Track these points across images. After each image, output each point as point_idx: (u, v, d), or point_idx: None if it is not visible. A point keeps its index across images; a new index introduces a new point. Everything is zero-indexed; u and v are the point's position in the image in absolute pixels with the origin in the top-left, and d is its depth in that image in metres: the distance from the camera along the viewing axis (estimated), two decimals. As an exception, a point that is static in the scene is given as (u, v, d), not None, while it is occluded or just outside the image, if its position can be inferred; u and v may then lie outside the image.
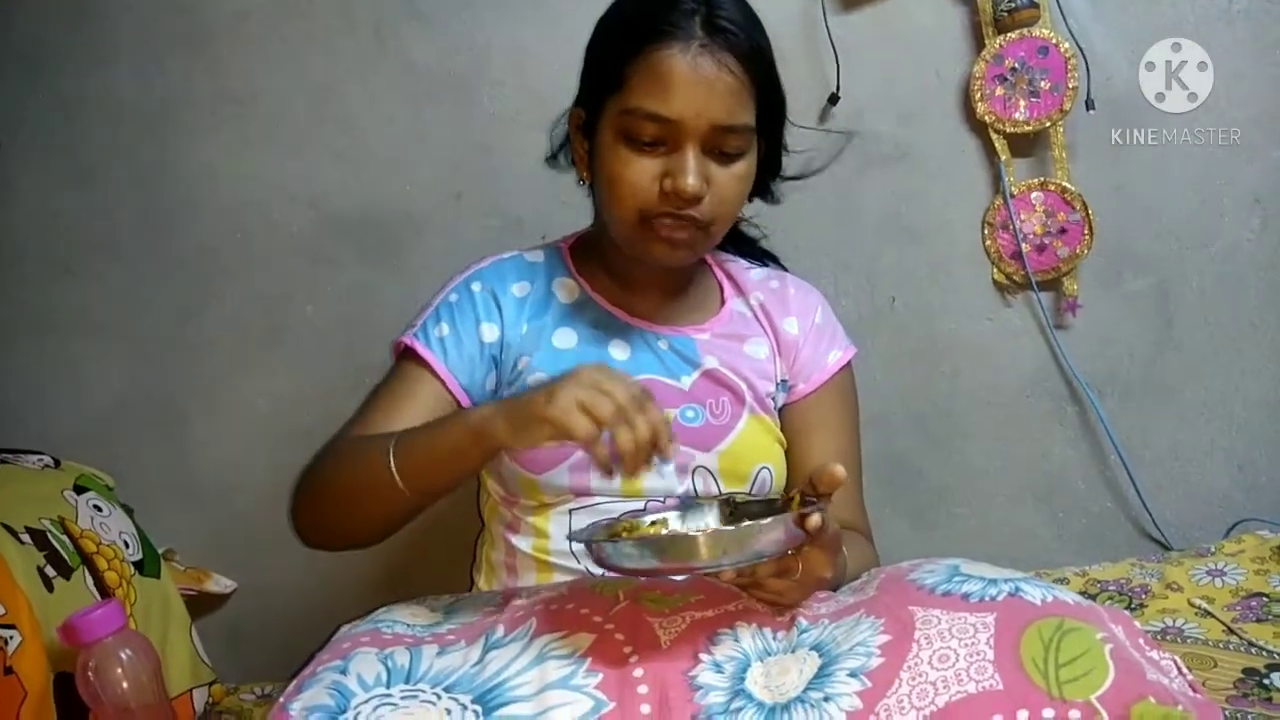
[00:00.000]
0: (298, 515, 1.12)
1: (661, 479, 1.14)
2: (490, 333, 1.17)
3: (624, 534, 0.95)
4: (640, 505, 1.13)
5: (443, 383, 1.15)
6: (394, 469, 0.99)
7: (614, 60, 1.07)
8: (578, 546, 1.12)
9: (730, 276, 1.28)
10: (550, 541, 1.14)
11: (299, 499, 1.11)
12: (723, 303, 1.25)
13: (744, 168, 1.10)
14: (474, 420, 0.96)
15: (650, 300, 1.22)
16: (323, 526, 1.11)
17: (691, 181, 1.05)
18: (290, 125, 1.65)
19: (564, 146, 1.22)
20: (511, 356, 1.17)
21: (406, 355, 1.18)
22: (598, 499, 1.13)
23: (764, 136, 1.14)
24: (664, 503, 1.13)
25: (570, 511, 1.14)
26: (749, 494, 1.17)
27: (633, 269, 1.19)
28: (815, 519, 0.86)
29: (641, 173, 1.07)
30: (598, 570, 1.10)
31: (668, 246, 1.10)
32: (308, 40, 1.63)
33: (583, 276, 1.23)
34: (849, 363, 1.27)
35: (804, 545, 0.89)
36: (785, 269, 1.36)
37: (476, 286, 1.20)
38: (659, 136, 1.05)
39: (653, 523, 1.00)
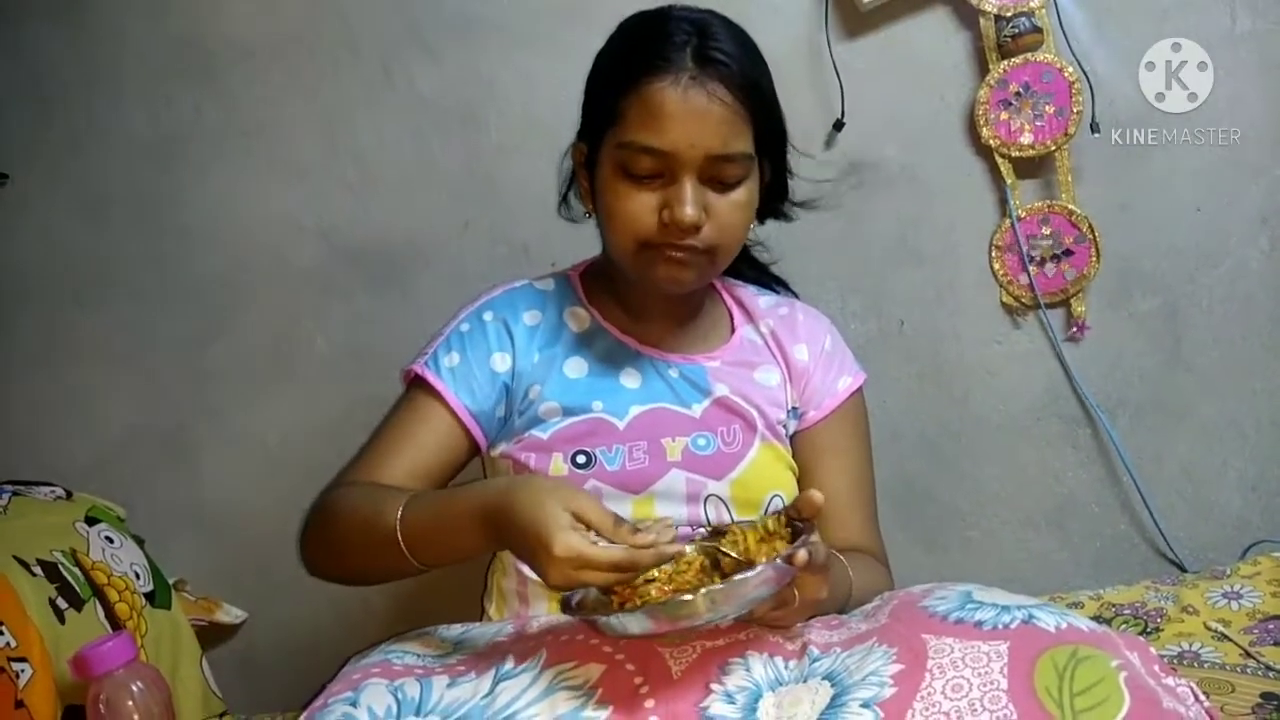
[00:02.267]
0: (307, 551, 1.11)
1: (671, 509, 1.13)
2: (502, 362, 1.17)
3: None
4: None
5: (452, 412, 1.15)
6: (403, 546, 0.98)
7: (610, 94, 1.08)
8: None
9: (740, 303, 1.28)
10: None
11: (309, 536, 1.10)
12: (733, 330, 1.25)
13: (744, 194, 1.10)
14: (481, 540, 0.95)
15: (661, 328, 1.21)
16: (336, 568, 1.11)
17: (689, 212, 1.05)
18: (298, 157, 1.66)
19: (571, 182, 1.23)
20: (523, 385, 1.17)
21: (417, 384, 1.18)
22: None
23: (767, 159, 1.14)
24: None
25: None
26: (732, 520, 1.13)
27: (642, 297, 1.20)
28: (802, 555, 0.85)
29: (640, 205, 1.07)
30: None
31: (671, 272, 1.10)
32: (315, 73, 1.64)
33: (593, 305, 1.23)
34: (860, 388, 1.26)
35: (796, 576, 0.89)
36: (795, 294, 1.36)
37: (488, 316, 1.20)
38: (655, 169, 1.06)
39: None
